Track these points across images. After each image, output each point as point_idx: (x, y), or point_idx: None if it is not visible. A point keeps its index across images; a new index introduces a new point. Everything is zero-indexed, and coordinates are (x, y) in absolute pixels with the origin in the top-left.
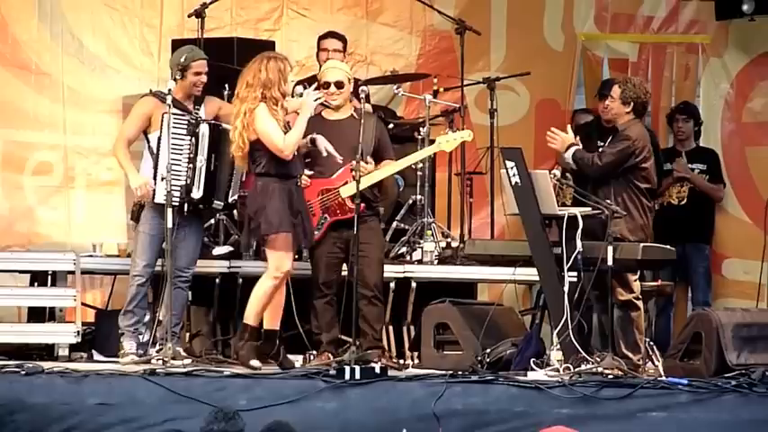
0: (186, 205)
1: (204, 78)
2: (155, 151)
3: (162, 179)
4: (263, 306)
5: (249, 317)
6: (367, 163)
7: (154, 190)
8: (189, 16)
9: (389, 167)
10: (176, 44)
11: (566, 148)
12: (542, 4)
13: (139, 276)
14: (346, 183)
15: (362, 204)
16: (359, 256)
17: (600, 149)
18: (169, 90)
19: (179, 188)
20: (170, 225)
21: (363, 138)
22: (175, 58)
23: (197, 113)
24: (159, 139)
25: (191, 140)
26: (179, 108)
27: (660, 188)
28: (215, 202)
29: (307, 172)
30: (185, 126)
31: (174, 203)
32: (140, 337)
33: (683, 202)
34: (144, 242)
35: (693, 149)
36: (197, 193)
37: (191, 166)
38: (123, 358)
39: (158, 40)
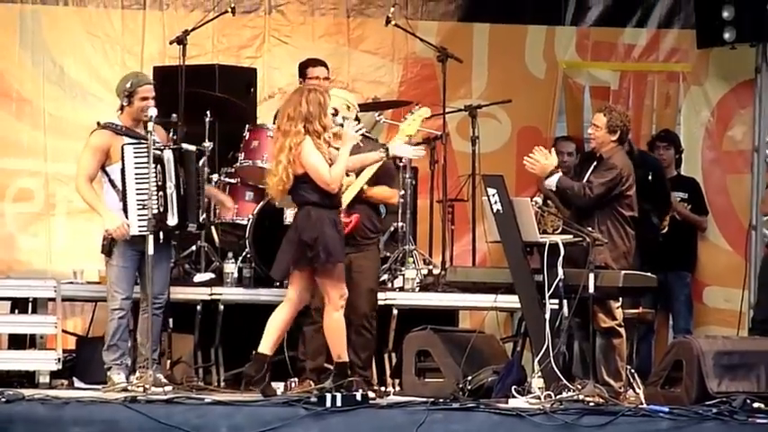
0: (162, 233)
1: (151, 103)
2: (117, 184)
3: (143, 208)
4: (344, 338)
5: (341, 355)
6: (347, 175)
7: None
8: (170, 43)
9: (364, 174)
10: (158, 71)
11: (548, 173)
12: (524, 32)
13: (119, 310)
14: None
15: (356, 216)
16: (351, 285)
17: (587, 180)
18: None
19: (152, 217)
20: (151, 252)
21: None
22: (121, 84)
23: (155, 140)
24: (123, 171)
25: (156, 168)
26: (132, 136)
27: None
28: (189, 225)
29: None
30: (146, 153)
31: (146, 233)
32: (127, 367)
33: (664, 231)
34: (119, 275)
35: (674, 177)
36: (172, 220)
37: (161, 193)
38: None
39: (140, 68)
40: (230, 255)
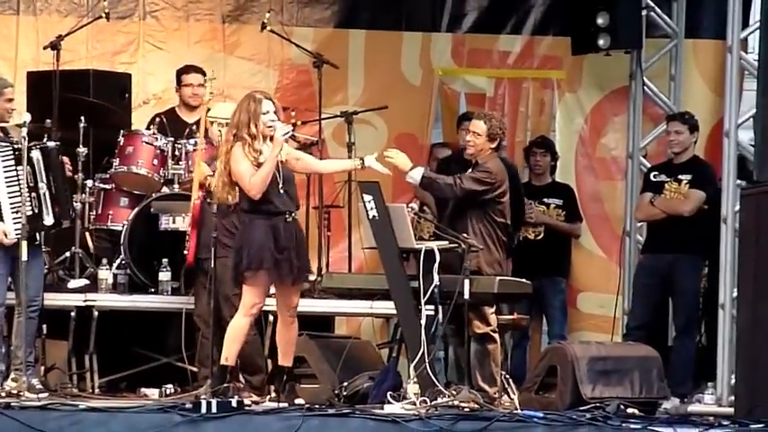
0: (38, 234)
1: (14, 106)
2: None
3: (17, 211)
4: (240, 344)
5: (228, 358)
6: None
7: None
8: (44, 48)
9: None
10: (32, 77)
11: (410, 166)
12: (400, 38)
13: None
14: None
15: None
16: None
17: (459, 175)
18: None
19: (25, 220)
20: (24, 258)
21: None
22: None
23: (12, 139)
24: None
25: (25, 169)
26: None
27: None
28: (64, 222)
29: None
30: (11, 155)
31: (23, 237)
32: (1, 373)
33: (539, 237)
34: (23, 278)
35: (549, 184)
36: (49, 220)
37: (34, 194)
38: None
39: (14, 73)
40: (105, 261)
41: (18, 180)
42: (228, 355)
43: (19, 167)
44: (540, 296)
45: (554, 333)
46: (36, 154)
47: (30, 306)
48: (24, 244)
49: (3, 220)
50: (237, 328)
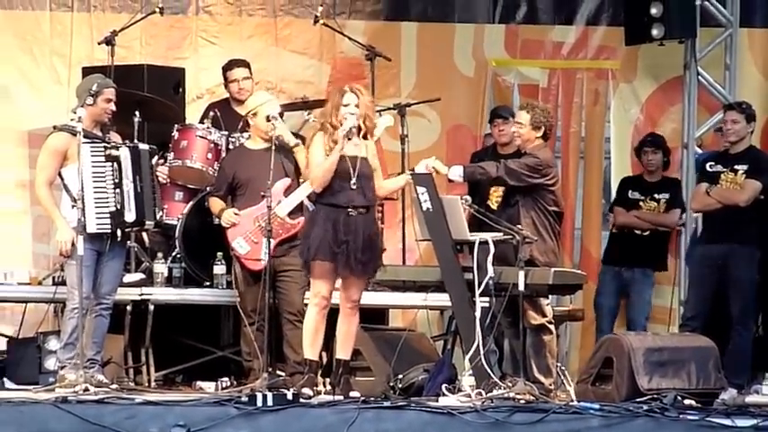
0: (119, 230)
1: (114, 107)
2: (70, 187)
3: (101, 206)
4: (314, 336)
5: (305, 351)
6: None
7: (73, 242)
8: (99, 44)
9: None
10: (87, 71)
11: (449, 167)
12: (452, 30)
13: (78, 309)
14: (279, 202)
15: (301, 220)
16: (284, 280)
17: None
18: (79, 118)
19: (108, 215)
20: (81, 253)
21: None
22: (86, 84)
23: (109, 138)
24: (79, 169)
25: (112, 166)
26: (89, 136)
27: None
28: (147, 222)
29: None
30: (102, 152)
31: (105, 231)
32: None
33: (645, 233)
34: (79, 274)
35: (660, 180)
36: (130, 216)
37: (118, 191)
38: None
39: (68, 70)
40: (160, 255)
41: (105, 178)
42: (305, 345)
43: (107, 164)
44: (628, 285)
45: (640, 323)
46: (125, 152)
47: (100, 303)
48: (81, 239)
49: (85, 215)
50: (307, 320)
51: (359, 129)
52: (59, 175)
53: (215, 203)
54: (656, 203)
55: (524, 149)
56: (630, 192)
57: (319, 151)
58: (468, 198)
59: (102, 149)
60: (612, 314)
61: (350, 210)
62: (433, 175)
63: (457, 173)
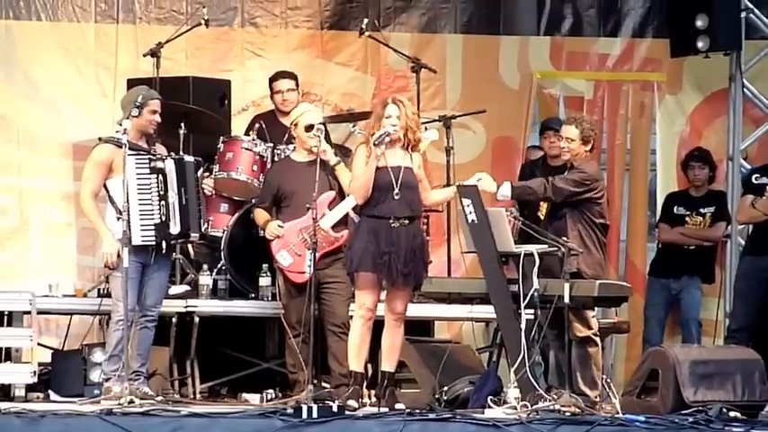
0: (164, 242)
1: (159, 119)
2: (115, 199)
3: (146, 217)
4: (359, 348)
5: (350, 362)
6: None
7: (119, 254)
8: (144, 56)
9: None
10: (132, 83)
11: (496, 186)
12: (497, 42)
13: (124, 321)
14: (323, 215)
15: (345, 233)
16: (328, 292)
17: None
18: (125, 129)
19: (153, 227)
20: (126, 265)
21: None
22: (131, 96)
23: (155, 150)
24: (124, 181)
25: (157, 178)
26: (134, 148)
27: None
28: (192, 234)
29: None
30: (147, 164)
31: (150, 243)
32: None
33: (691, 248)
34: (124, 286)
35: (705, 194)
36: (175, 229)
37: (163, 203)
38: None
39: (113, 81)
40: (205, 267)
41: (150, 189)
42: (350, 357)
43: (152, 176)
44: (677, 293)
45: (691, 321)
46: (169, 164)
47: (145, 315)
48: (126, 251)
49: (130, 227)
50: (352, 331)
51: (401, 140)
52: (104, 187)
53: (260, 215)
54: (701, 218)
55: (571, 162)
56: (676, 208)
57: (361, 163)
58: (514, 210)
59: (148, 161)
60: (661, 326)
61: (392, 221)
62: (479, 188)
63: (506, 192)
